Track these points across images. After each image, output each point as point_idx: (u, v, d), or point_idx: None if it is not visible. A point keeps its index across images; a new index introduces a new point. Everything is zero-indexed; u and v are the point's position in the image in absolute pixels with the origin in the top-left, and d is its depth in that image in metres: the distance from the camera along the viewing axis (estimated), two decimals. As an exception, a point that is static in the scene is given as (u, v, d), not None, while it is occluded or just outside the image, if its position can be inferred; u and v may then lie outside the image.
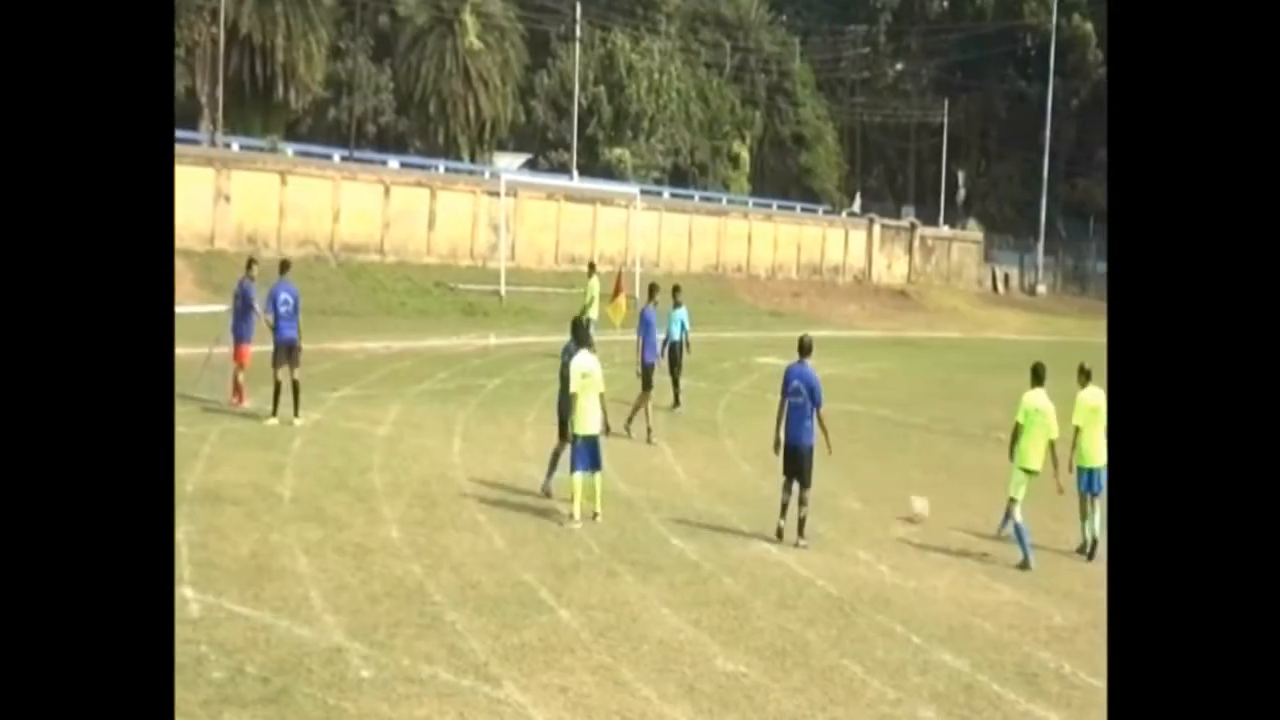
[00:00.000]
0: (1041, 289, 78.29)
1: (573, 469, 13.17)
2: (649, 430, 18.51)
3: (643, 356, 19.69)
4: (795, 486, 13.15)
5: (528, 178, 53.61)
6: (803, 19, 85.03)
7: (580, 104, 60.55)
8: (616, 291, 28.97)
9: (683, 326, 22.21)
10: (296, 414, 17.47)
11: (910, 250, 70.01)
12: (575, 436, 13.24)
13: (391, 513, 12.88)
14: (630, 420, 18.61)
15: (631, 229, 48.74)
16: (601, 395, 13.33)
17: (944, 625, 10.60)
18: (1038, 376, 13.50)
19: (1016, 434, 13.29)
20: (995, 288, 76.15)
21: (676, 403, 21.87)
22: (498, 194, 45.56)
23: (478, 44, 60.48)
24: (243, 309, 18.54)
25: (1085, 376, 13.99)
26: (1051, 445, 13.42)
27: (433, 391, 21.94)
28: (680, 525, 13.37)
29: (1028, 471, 13.19)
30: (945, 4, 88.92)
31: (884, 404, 25.19)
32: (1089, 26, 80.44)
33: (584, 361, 13.38)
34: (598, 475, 13.33)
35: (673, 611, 10.29)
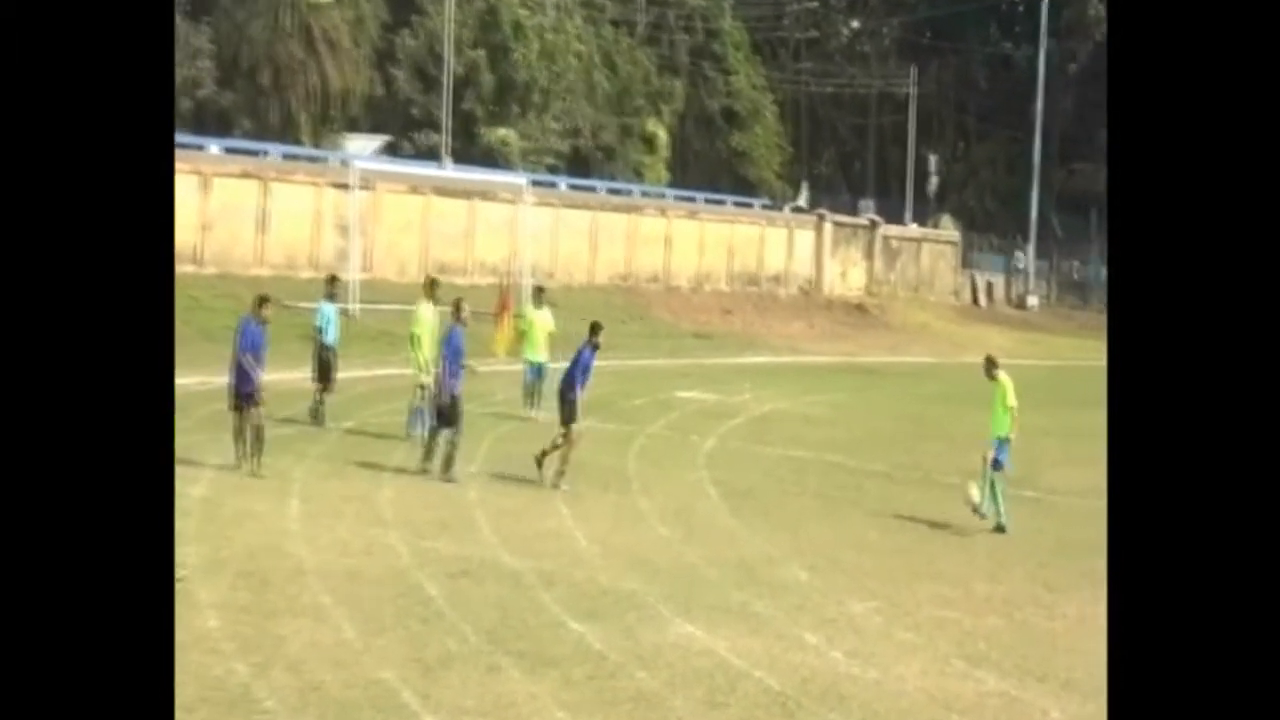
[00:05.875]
0: (1032, 301, 79.61)
1: None
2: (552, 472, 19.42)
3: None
4: None
5: (386, 166, 53.43)
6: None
7: (454, 72, 60.55)
8: (501, 310, 28.95)
9: (335, 326, 24.77)
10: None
11: (870, 254, 70.88)
12: None
13: (208, 596, 12.70)
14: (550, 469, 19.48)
15: (519, 229, 48.77)
16: None
17: (912, 725, 10.67)
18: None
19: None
20: (975, 299, 77.34)
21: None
22: (347, 186, 45.33)
23: (322, -4, 60.29)
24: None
25: (992, 364, 19.20)
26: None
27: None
28: (580, 605, 13.33)
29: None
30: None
31: (836, 447, 25.39)
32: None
33: None
34: None
35: (570, 716, 10.26)
